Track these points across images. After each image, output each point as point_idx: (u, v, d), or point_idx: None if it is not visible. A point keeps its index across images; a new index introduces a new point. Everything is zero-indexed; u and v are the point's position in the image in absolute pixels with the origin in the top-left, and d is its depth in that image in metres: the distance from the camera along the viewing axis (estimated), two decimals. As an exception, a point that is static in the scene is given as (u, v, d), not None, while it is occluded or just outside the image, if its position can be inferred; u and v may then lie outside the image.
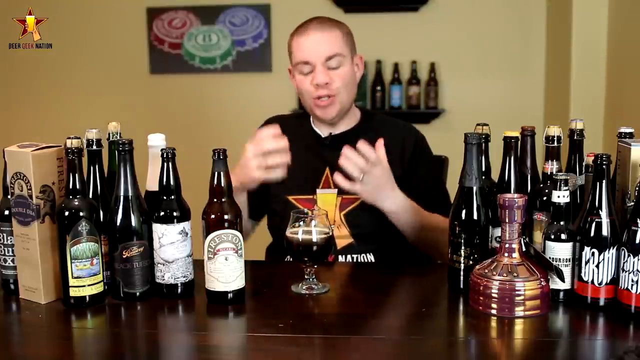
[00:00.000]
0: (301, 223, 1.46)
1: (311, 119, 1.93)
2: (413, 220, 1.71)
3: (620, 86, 3.23)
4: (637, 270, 1.28)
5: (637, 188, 1.34)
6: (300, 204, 1.81)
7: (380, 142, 1.64)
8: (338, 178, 1.62)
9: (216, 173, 1.40)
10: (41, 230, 1.42)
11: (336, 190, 1.75)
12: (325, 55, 1.78)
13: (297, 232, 1.46)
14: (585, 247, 1.34)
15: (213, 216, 1.40)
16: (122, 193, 1.42)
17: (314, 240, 1.46)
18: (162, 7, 4.01)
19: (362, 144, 1.61)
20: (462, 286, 1.47)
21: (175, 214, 1.43)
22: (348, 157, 1.60)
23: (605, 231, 1.33)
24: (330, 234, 1.47)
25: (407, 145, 1.87)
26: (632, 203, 1.33)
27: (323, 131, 1.90)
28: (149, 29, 4.03)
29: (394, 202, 1.68)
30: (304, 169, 1.82)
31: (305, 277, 1.49)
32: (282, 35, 3.94)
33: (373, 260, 1.81)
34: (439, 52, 3.89)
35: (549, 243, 1.39)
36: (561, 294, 1.40)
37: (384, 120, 1.97)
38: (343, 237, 1.80)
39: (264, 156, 1.62)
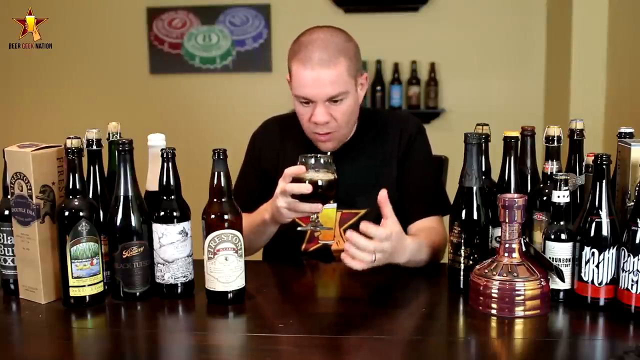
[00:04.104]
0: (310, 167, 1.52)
1: None
2: (422, 259, 1.63)
3: (620, 86, 3.22)
4: (637, 270, 1.28)
5: (637, 188, 1.34)
6: (299, 219, 1.76)
7: (383, 193, 1.49)
8: (346, 260, 1.44)
9: (216, 173, 1.40)
10: (41, 230, 1.42)
11: (335, 205, 1.72)
12: (327, 96, 1.66)
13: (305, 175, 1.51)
14: (585, 247, 1.34)
15: (213, 216, 1.40)
16: (122, 193, 1.42)
17: (320, 183, 1.50)
18: (162, 7, 4.01)
19: (365, 225, 1.43)
20: (462, 286, 1.47)
21: (175, 214, 1.43)
22: (354, 249, 1.43)
23: (605, 231, 1.33)
24: (335, 177, 1.53)
25: (402, 141, 1.83)
26: (632, 203, 1.33)
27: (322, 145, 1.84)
28: (149, 29, 4.03)
29: (404, 255, 1.55)
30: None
31: (311, 218, 1.56)
32: (282, 35, 3.97)
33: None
34: (439, 52, 3.89)
35: (549, 243, 1.39)
36: (561, 294, 1.40)
37: (384, 117, 1.93)
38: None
39: (292, 198, 1.52)
